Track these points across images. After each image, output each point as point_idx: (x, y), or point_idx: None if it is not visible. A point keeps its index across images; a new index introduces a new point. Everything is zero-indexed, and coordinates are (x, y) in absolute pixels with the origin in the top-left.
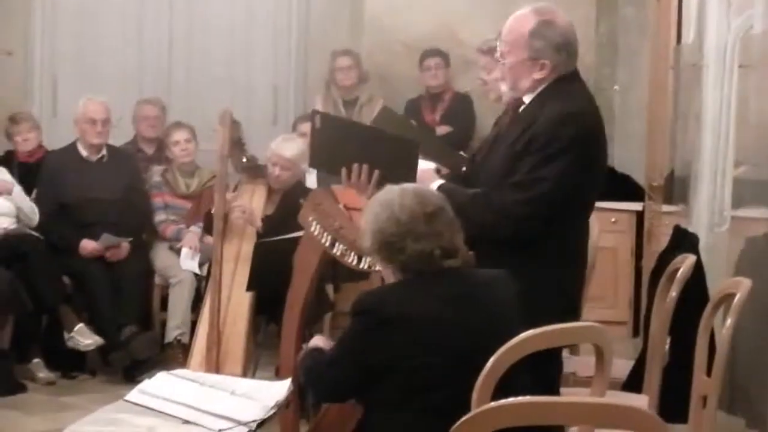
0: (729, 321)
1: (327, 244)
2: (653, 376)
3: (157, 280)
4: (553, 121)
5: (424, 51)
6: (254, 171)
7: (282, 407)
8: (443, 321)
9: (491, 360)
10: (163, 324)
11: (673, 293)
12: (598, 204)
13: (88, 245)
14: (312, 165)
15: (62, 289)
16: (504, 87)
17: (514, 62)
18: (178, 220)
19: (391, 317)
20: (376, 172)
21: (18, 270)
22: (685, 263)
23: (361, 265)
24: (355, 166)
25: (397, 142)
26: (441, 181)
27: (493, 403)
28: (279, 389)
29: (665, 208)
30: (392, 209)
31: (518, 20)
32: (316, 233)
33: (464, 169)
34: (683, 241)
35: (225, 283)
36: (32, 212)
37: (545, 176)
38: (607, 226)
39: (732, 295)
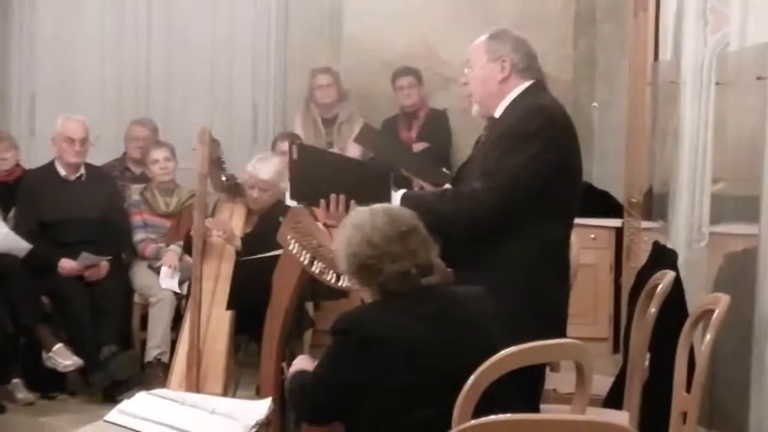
0: (708, 337)
1: (306, 262)
2: (634, 393)
3: (137, 299)
4: (522, 114)
5: (396, 70)
6: (233, 190)
7: (263, 426)
8: (423, 340)
9: (471, 378)
10: (144, 343)
11: (653, 309)
12: (577, 220)
13: (66, 264)
14: (293, 197)
15: (41, 309)
16: (475, 108)
17: (477, 70)
18: (158, 239)
19: (371, 337)
20: (353, 202)
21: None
22: (664, 279)
23: (339, 283)
24: (333, 196)
25: (370, 171)
26: (404, 190)
27: (473, 421)
28: (259, 408)
29: (644, 224)
30: (365, 231)
31: (475, 42)
32: (294, 251)
33: (447, 186)
34: (662, 257)
35: (205, 302)
36: None
37: (511, 163)
38: (587, 242)
39: (711, 311)
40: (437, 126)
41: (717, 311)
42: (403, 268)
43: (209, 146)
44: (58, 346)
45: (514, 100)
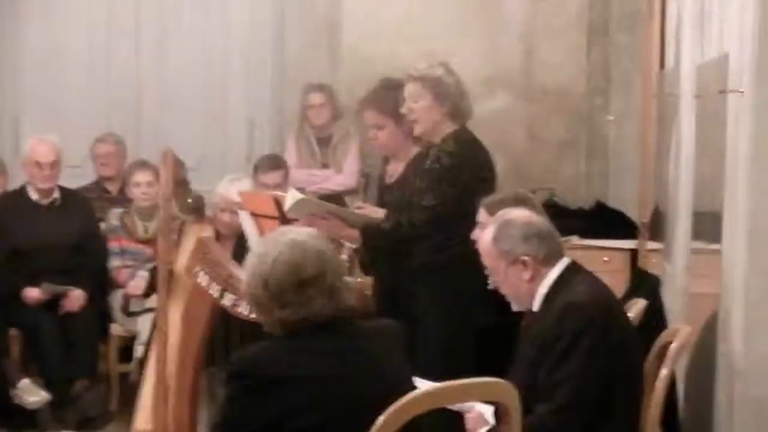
0: (664, 371)
1: (216, 294)
2: None
3: (116, 330)
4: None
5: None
6: (200, 211)
7: None
8: (325, 377)
9: (381, 418)
10: (122, 376)
11: None
12: (590, 242)
13: (30, 293)
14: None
15: (5, 342)
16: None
17: (501, 275)
18: (136, 265)
19: (269, 378)
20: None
21: None
22: (634, 308)
23: (252, 315)
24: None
25: None
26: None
27: None
28: None
29: (650, 245)
30: (264, 268)
31: (483, 245)
32: (204, 284)
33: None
34: (642, 284)
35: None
36: None
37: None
38: (600, 266)
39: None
40: None
41: (674, 344)
42: (294, 315)
43: (173, 167)
44: (24, 381)
45: (549, 291)
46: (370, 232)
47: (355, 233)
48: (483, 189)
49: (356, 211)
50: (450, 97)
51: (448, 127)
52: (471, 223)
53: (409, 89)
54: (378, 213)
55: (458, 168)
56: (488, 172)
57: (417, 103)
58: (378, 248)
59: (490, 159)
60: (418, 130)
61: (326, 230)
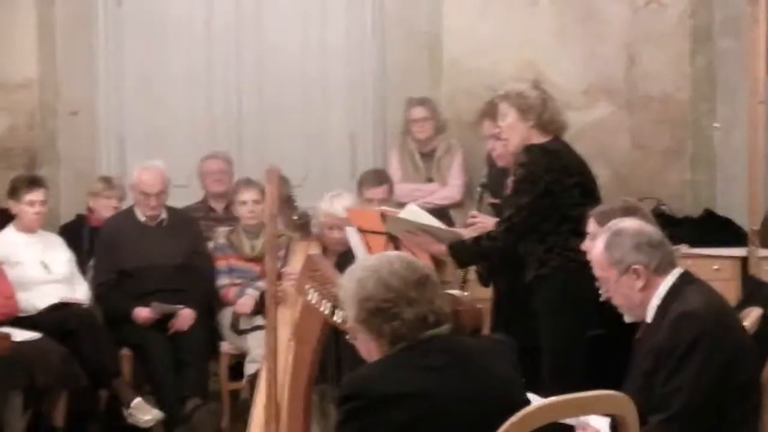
0: None
1: (327, 312)
2: None
3: (226, 347)
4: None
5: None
6: (306, 228)
7: None
8: (438, 394)
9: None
10: (233, 394)
11: None
12: (698, 251)
13: (141, 313)
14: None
15: (117, 361)
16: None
17: (613, 284)
18: (245, 283)
19: (382, 397)
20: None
21: (71, 343)
22: (749, 317)
23: None
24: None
25: None
26: None
27: None
28: None
29: (763, 252)
30: (381, 275)
31: (595, 253)
32: (314, 301)
33: None
34: (756, 292)
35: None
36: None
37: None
38: (709, 274)
39: None
40: None
41: None
42: (420, 313)
43: (278, 185)
44: (137, 400)
45: (663, 302)
46: (455, 246)
47: (443, 248)
48: (568, 197)
49: (469, 220)
50: (533, 110)
51: (539, 141)
52: (570, 234)
53: (499, 109)
54: (491, 222)
55: (530, 177)
56: (570, 178)
57: (505, 122)
58: (466, 262)
59: (577, 166)
60: (510, 147)
61: (417, 245)
